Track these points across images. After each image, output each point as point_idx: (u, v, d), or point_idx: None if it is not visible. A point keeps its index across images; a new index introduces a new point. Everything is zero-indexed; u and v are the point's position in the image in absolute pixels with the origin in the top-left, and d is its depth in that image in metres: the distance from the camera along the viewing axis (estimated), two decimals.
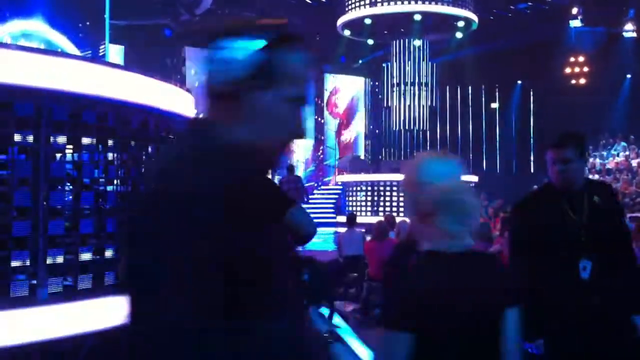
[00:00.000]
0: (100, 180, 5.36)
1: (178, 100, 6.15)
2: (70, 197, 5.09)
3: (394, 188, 19.42)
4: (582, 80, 24.92)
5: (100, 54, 15.58)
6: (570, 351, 3.20)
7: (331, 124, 27.57)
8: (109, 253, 5.22)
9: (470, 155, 28.32)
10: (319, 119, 27.03)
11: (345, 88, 28.19)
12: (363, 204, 19.97)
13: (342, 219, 14.30)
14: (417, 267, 1.91)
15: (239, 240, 1.22)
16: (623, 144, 23.74)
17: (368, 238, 9.90)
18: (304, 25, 23.90)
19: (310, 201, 24.21)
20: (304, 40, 1.46)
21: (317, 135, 26.97)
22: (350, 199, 20.56)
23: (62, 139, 4.98)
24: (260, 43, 1.37)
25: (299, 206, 2.84)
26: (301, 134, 1.39)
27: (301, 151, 26.38)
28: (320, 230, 16.75)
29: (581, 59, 24.98)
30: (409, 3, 19.59)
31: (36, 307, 4.59)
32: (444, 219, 1.82)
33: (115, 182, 5.45)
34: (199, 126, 1.43)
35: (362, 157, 26.16)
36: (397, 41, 21.25)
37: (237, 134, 1.36)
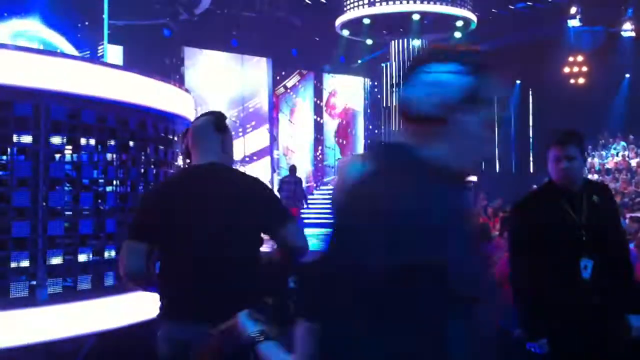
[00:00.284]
0: (100, 180, 5.36)
1: (177, 101, 6.15)
2: (70, 197, 5.09)
3: None
4: (581, 80, 24.94)
5: (99, 54, 15.57)
6: (572, 350, 3.20)
7: (330, 124, 27.57)
8: (108, 254, 5.21)
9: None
10: (318, 119, 27.03)
11: (344, 88, 28.19)
12: None
13: None
14: None
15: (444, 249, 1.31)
16: (622, 143, 23.77)
17: None
18: (303, 25, 23.93)
19: (310, 202, 24.24)
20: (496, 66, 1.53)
21: (316, 135, 26.97)
22: None
23: (61, 140, 4.98)
24: (467, 68, 1.48)
25: (295, 222, 2.94)
26: (488, 156, 1.52)
27: (301, 151, 26.38)
28: (319, 230, 16.93)
29: (580, 58, 24.99)
30: (408, 3, 19.58)
31: (36, 307, 4.59)
32: None
33: (114, 182, 5.45)
34: (402, 148, 1.50)
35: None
36: (396, 41, 21.26)
37: (439, 155, 1.45)
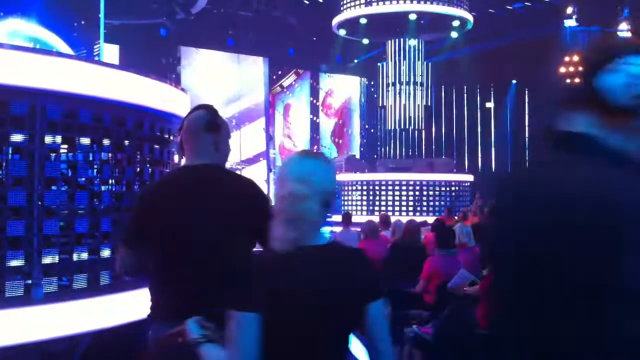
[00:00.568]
0: (95, 180, 5.35)
1: (173, 100, 6.14)
2: (65, 196, 5.08)
3: (390, 187, 19.44)
4: (577, 80, 24.90)
5: (95, 54, 15.55)
6: None
7: (326, 123, 27.58)
8: (104, 253, 5.21)
9: (466, 154, 28.37)
10: (315, 119, 27.03)
11: (341, 87, 28.21)
12: (358, 203, 19.98)
13: (338, 218, 14.29)
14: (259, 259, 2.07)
15: None
16: None
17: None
18: (300, 24, 23.92)
19: None
20: None
21: (313, 134, 26.98)
22: (346, 198, 20.56)
23: (56, 139, 4.97)
24: None
25: None
26: None
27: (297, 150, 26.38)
28: None
29: (576, 58, 25.01)
30: (404, 2, 19.62)
31: (31, 307, 4.58)
32: (278, 222, 1.95)
33: (110, 182, 5.44)
34: (594, 139, 1.50)
35: (358, 156, 26.16)
36: (393, 41, 21.28)
37: (633, 148, 1.46)
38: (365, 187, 19.91)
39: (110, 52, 18.52)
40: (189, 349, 2.00)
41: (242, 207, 2.80)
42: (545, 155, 1.55)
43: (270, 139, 24.95)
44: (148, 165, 5.72)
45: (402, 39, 21.08)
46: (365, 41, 22.11)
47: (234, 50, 23.77)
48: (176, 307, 2.61)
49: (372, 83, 26.80)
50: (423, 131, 22.08)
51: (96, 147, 5.28)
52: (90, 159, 5.31)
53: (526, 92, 28.47)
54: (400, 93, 21.26)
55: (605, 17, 23.76)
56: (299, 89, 26.81)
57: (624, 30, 23.21)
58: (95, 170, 5.34)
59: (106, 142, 5.30)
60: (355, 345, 5.47)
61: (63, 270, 4.90)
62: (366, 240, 9.10)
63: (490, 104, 28.84)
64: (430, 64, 21.90)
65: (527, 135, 28.56)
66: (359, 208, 19.78)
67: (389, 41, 21.38)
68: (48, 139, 4.86)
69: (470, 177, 20.97)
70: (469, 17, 20.33)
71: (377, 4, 19.71)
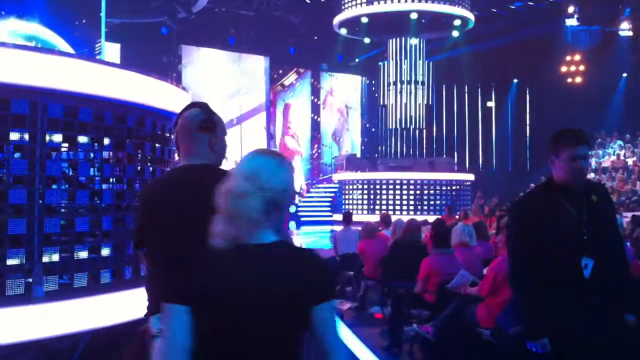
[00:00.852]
0: (96, 178, 5.35)
1: (174, 99, 6.14)
2: (66, 195, 5.08)
3: (390, 186, 19.44)
4: (578, 79, 24.96)
5: (97, 52, 15.55)
6: (573, 350, 3.20)
7: (327, 122, 27.57)
8: (105, 251, 5.21)
9: (467, 153, 28.35)
10: (315, 117, 27.03)
11: (342, 86, 28.20)
12: (359, 202, 19.98)
13: (339, 217, 14.31)
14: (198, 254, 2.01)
15: None
16: (619, 142, 23.81)
17: None
18: (301, 23, 23.91)
19: (307, 200, 24.25)
20: None
21: (313, 133, 26.97)
22: (347, 197, 20.56)
23: (57, 137, 4.98)
24: None
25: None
26: None
27: (302, 150, 26.38)
28: (316, 228, 16.86)
29: (577, 57, 25.01)
30: (406, 2, 19.60)
31: (32, 305, 4.58)
32: (218, 218, 1.92)
33: (111, 180, 5.44)
34: None
35: (359, 155, 26.17)
36: (394, 40, 21.26)
37: None
38: (366, 186, 19.90)
39: (111, 50, 18.52)
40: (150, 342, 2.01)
41: None
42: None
43: (271, 137, 24.94)
44: (149, 164, 5.72)
45: (403, 38, 21.06)
46: (367, 40, 22.10)
47: (235, 49, 23.76)
48: None
49: (373, 82, 26.78)
50: (424, 130, 22.07)
51: (97, 146, 5.28)
52: (91, 157, 5.31)
53: (527, 91, 28.46)
54: (401, 92, 21.25)
55: (607, 16, 23.75)
56: (299, 88, 26.80)
57: (625, 29, 23.20)
58: (96, 169, 5.34)
59: (107, 140, 5.30)
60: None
61: (64, 268, 4.91)
62: (364, 240, 9.12)
63: (491, 103, 28.83)
64: (431, 63, 21.89)
65: (528, 134, 28.55)
66: (359, 207, 19.77)
67: (390, 40, 21.37)
68: (49, 138, 4.86)
69: (471, 176, 20.96)
70: (470, 16, 20.31)
71: (379, 3, 19.70)
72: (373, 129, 27.68)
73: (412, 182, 19.46)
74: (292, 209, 20.78)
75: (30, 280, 4.68)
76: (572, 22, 23.04)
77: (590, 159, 3.42)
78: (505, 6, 24.22)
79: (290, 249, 1.98)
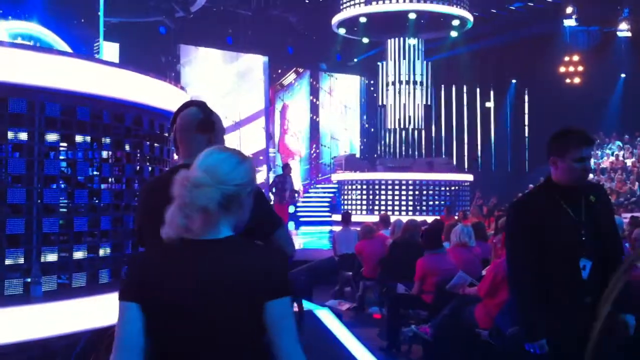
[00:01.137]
0: (95, 177, 5.34)
1: (173, 98, 6.13)
2: (65, 194, 5.07)
3: (389, 187, 19.44)
4: (577, 80, 24.98)
5: (95, 52, 15.54)
6: (570, 351, 3.19)
7: (326, 122, 27.56)
8: (103, 251, 5.20)
9: (465, 153, 28.37)
10: (315, 117, 27.02)
11: (341, 86, 28.19)
12: (358, 202, 19.98)
13: (338, 217, 14.31)
14: (148, 249, 2.02)
15: None
16: (617, 143, 23.83)
17: None
18: (299, 23, 23.91)
19: (305, 200, 24.24)
20: None
21: (313, 133, 26.97)
22: (346, 197, 20.56)
23: (56, 137, 4.97)
24: None
25: (284, 228, 2.89)
26: None
27: (301, 150, 26.37)
28: (315, 229, 16.88)
29: (576, 58, 25.03)
30: (404, 2, 19.59)
31: (30, 305, 4.57)
32: (172, 207, 1.89)
33: (109, 179, 5.43)
34: None
35: (358, 155, 26.18)
36: (392, 40, 21.26)
37: None
38: (364, 187, 19.90)
39: (110, 50, 18.49)
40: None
41: None
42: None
43: (270, 137, 24.94)
44: (147, 163, 5.71)
45: (402, 38, 21.06)
46: (365, 40, 22.09)
47: (233, 49, 23.76)
48: None
49: (372, 82, 26.78)
50: (423, 130, 22.06)
51: (95, 145, 5.27)
52: (90, 156, 5.30)
53: (526, 91, 28.48)
54: (400, 92, 21.24)
55: (605, 16, 23.78)
56: (298, 88, 26.79)
57: (623, 29, 23.22)
58: (94, 168, 5.33)
59: (105, 140, 5.29)
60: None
61: (62, 268, 4.90)
62: (362, 241, 9.15)
63: (489, 104, 28.84)
64: (430, 63, 21.90)
65: (526, 135, 28.57)
66: (358, 207, 19.77)
67: (389, 40, 21.35)
68: (47, 137, 4.85)
69: (469, 177, 20.97)
70: (469, 16, 20.31)
71: (377, 3, 19.69)
72: (372, 129, 27.68)
73: (410, 182, 19.46)
74: (291, 209, 20.77)
75: (29, 279, 4.67)
76: (570, 22, 23.05)
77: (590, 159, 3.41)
78: (504, 6, 24.22)
79: (241, 245, 1.93)
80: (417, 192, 19.40)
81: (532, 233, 3.29)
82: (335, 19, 20.63)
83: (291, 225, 20.57)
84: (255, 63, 24.56)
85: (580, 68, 24.94)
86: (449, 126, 28.24)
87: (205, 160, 1.92)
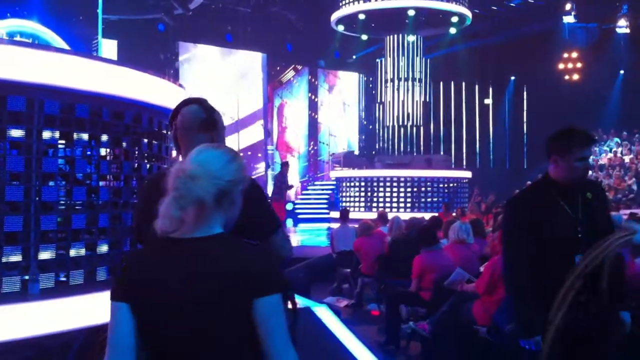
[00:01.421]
0: (93, 175, 5.34)
1: (171, 96, 6.13)
2: (63, 192, 5.07)
3: (388, 184, 19.44)
4: (575, 76, 24.98)
5: (93, 49, 15.53)
6: (566, 348, 3.20)
7: (324, 119, 27.56)
8: (101, 248, 5.20)
9: (464, 150, 28.38)
10: (313, 115, 27.02)
11: (339, 83, 28.18)
12: (357, 199, 19.98)
13: (336, 214, 14.32)
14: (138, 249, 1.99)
15: None
16: (616, 139, 23.83)
17: None
18: (298, 20, 23.89)
19: (304, 197, 24.25)
20: None
21: (312, 130, 26.96)
22: (344, 194, 20.57)
23: (54, 134, 4.96)
24: None
25: (282, 229, 2.89)
26: None
27: (295, 146, 26.37)
28: (314, 226, 16.91)
29: (574, 54, 25.03)
30: None
31: (28, 302, 4.57)
32: (167, 200, 1.88)
33: (108, 177, 5.43)
34: None
35: (356, 152, 26.18)
36: (391, 37, 21.25)
37: None
38: (363, 184, 19.91)
39: (108, 47, 18.48)
40: None
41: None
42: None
43: (268, 134, 24.94)
44: (146, 161, 5.71)
45: (400, 35, 21.05)
46: (364, 37, 22.09)
47: (232, 46, 23.74)
48: None
49: (371, 79, 26.78)
50: (421, 127, 22.07)
51: (94, 143, 5.27)
52: (88, 154, 5.30)
53: (524, 88, 28.47)
54: (398, 89, 21.24)
55: (604, 13, 23.77)
56: (297, 85, 26.79)
57: (622, 26, 23.22)
58: (93, 166, 5.33)
59: (104, 137, 5.29)
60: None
61: (60, 265, 4.90)
62: (360, 238, 9.16)
63: (488, 100, 28.84)
64: (428, 60, 21.90)
65: (525, 132, 28.57)
66: (357, 204, 19.77)
67: (388, 37, 21.35)
68: (45, 134, 4.85)
69: (468, 174, 20.96)
70: (468, 13, 20.30)
71: (376, 0, 19.68)
72: (370, 126, 27.68)
73: (409, 179, 19.45)
74: (290, 206, 20.79)
75: (27, 277, 4.67)
76: (569, 19, 23.05)
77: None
78: (503, 3, 24.22)
79: (231, 242, 1.92)
80: (415, 189, 19.40)
81: (529, 229, 3.30)
82: (334, 16, 20.62)
83: (289, 222, 20.59)
84: (254, 60, 24.55)
85: (579, 65, 24.93)
86: (448, 123, 28.24)
87: (198, 156, 1.92)
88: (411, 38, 20.99)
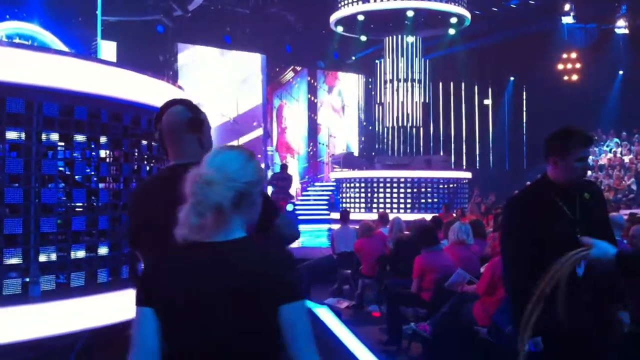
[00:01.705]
0: (93, 177, 5.34)
1: (170, 97, 6.13)
2: (63, 194, 5.07)
3: (387, 184, 19.44)
4: (575, 77, 24.98)
5: (93, 51, 15.54)
6: (566, 348, 3.20)
7: (323, 120, 27.56)
8: (101, 250, 5.20)
9: (464, 151, 28.39)
10: (313, 116, 27.02)
11: (339, 84, 28.19)
12: (357, 200, 19.98)
13: (336, 215, 14.32)
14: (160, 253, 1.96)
15: None
16: (615, 140, 23.83)
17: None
18: (297, 21, 23.89)
19: (304, 198, 24.25)
20: None
21: (311, 131, 26.97)
22: (344, 195, 20.56)
23: (53, 136, 4.96)
24: None
25: (284, 214, 2.86)
26: None
27: (294, 148, 26.37)
28: (314, 227, 16.83)
29: (573, 55, 25.03)
30: (402, 0, 19.60)
31: (28, 304, 4.57)
32: (186, 207, 1.86)
33: (107, 179, 5.43)
34: None
35: (356, 153, 26.18)
36: (390, 37, 21.24)
37: None
38: (363, 185, 19.90)
39: (107, 49, 18.48)
40: None
41: None
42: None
43: (268, 135, 24.93)
44: (145, 162, 5.71)
45: (399, 36, 21.05)
46: (363, 38, 22.08)
47: (231, 47, 23.74)
48: None
49: (370, 80, 26.78)
50: (421, 128, 22.07)
51: (93, 144, 5.27)
52: (87, 156, 5.30)
53: (524, 88, 28.49)
54: (398, 90, 21.23)
55: (603, 14, 23.78)
56: (296, 86, 26.79)
57: (621, 27, 23.23)
58: (92, 168, 5.33)
59: (103, 139, 5.29)
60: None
61: (60, 267, 4.89)
62: (361, 239, 9.15)
63: (488, 101, 28.85)
64: (428, 60, 21.89)
65: (524, 132, 28.58)
66: (357, 205, 19.77)
67: (387, 38, 21.34)
68: (45, 136, 4.85)
69: (468, 174, 20.97)
70: (467, 14, 20.31)
71: (375, 1, 19.67)
72: (370, 127, 27.69)
73: (409, 180, 19.46)
74: (290, 207, 20.78)
75: (27, 279, 4.67)
76: (568, 19, 23.06)
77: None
78: (502, 4, 24.22)
79: (257, 245, 1.90)
80: (415, 190, 19.40)
81: (527, 230, 3.29)
82: (333, 17, 20.62)
83: None
84: (253, 61, 24.55)
85: (578, 65, 24.93)
86: (447, 124, 28.24)
87: (214, 159, 1.90)
88: (410, 39, 20.99)
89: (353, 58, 26.32)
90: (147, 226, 2.68)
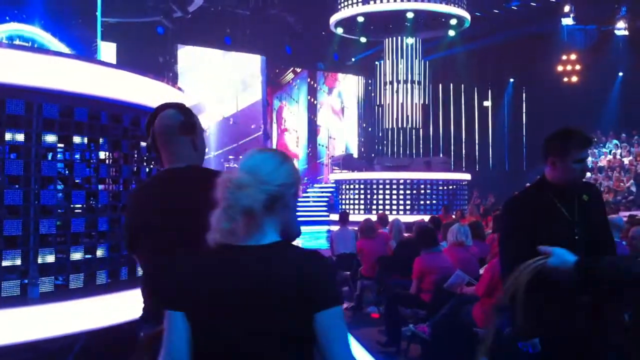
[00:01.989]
0: (92, 178, 5.34)
1: (170, 99, 6.13)
2: (62, 195, 5.07)
3: (387, 186, 19.44)
4: (574, 78, 24.99)
5: (92, 52, 15.53)
6: (564, 350, 3.20)
7: (323, 122, 27.56)
8: (100, 252, 5.20)
9: (463, 153, 28.38)
10: (313, 117, 27.02)
11: (339, 86, 28.20)
12: (356, 202, 19.97)
13: (336, 217, 14.32)
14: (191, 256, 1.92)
15: None
16: (615, 141, 23.84)
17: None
18: (297, 22, 23.90)
19: (303, 199, 24.23)
20: None
21: (310, 133, 26.97)
22: (343, 197, 20.56)
23: (53, 138, 4.96)
24: None
25: None
26: None
27: (294, 149, 26.37)
28: (313, 228, 16.80)
29: (573, 56, 25.04)
30: (402, 1, 19.60)
31: (27, 306, 4.57)
32: (217, 211, 1.83)
33: (107, 180, 5.43)
34: None
35: (355, 155, 26.18)
36: (390, 39, 21.25)
37: None
38: (362, 186, 19.91)
39: (107, 50, 18.49)
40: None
41: None
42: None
43: (267, 137, 24.93)
44: (145, 164, 5.71)
45: (399, 38, 21.06)
46: (363, 40, 22.09)
47: (231, 49, 23.75)
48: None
49: (370, 81, 26.78)
50: (420, 130, 22.06)
51: (93, 146, 5.27)
52: (87, 157, 5.30)
53: (523, 90, 28.49)
54: (397, 91, 21.24)
55: (603, 15, 23.78)
56: (296, 87, 26.80)
57: (621, 28, 23.23)
58: (92, 169, 5.33)
59: (102, 140, 5.29)
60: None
61: (59, 269, 4.89)
62: (363, 239, 9.11)
63: (487, 103, 28.86)
64: (427, 62, 21.90)
65: (524, 134, 28.58)
66: (356, 207, 19.77)
67: (387, 39, 21.35)
68: (44, 138, 4.85)
69: (467, 176, 20.97)
70: (467, 15, 20.32)
71: (375, 3, 19.69)
72: (369, 129, 27.69)
73: (408, 181, 19.46)
74: None
75: (26, 281, 4.67)
76: (568, 21, 23.05)
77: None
78: (502, 5, 24.23)
79: (291, 250, 1.86)
80: (414, 192, 19.40)
81: (526, 232, 3.29)
82: (333, 19, 20.63)
83: None
84: (253, 63, 24.56)
85: (577, 67, 24.94)
86: (447, 125, 28.25)
87: (247, 161, 1.88)
88: (410, 40, 21.00)
89: (353, 59, 26.32)
90: (146, 228, 2.67)
